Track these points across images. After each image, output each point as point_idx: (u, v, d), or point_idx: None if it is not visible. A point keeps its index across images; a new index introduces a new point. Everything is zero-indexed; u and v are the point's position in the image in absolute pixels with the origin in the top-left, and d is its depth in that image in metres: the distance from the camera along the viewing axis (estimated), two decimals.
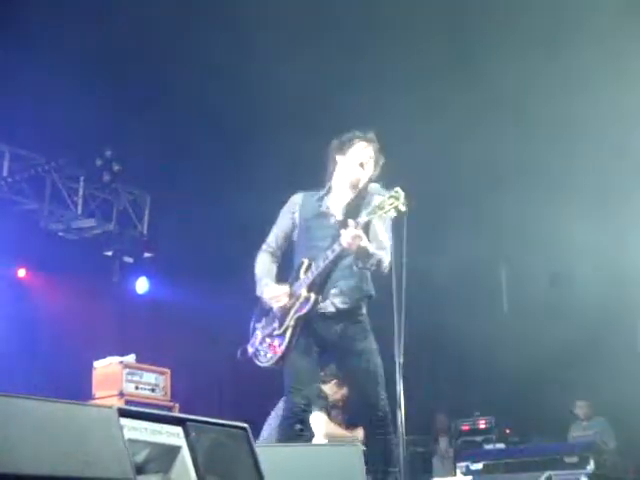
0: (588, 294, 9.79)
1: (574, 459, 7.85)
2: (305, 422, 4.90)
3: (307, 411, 4.88)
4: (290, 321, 4.89)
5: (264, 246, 5.20)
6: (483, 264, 10.78)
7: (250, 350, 5.13)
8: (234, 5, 7.99)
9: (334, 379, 6.91)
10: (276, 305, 4.95)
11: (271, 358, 4.96)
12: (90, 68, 8.40)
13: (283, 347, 4.90)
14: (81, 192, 10.06)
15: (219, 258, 10.54)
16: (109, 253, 10.66)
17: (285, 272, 5.14)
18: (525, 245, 10.26)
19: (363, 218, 4.64)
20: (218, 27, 8.27)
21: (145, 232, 10.79)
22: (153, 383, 7.90)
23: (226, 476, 3.07)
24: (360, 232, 4.62)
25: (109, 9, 7.98)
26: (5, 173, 9.24)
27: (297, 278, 4.92)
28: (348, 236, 4.61)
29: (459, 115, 8.73)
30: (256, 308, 5.19)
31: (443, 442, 10.67)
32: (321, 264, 4.79)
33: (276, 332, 4.95)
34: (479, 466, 8.25)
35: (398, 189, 4.53)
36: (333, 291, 4.87)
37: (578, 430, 9.78)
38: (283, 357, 4.92)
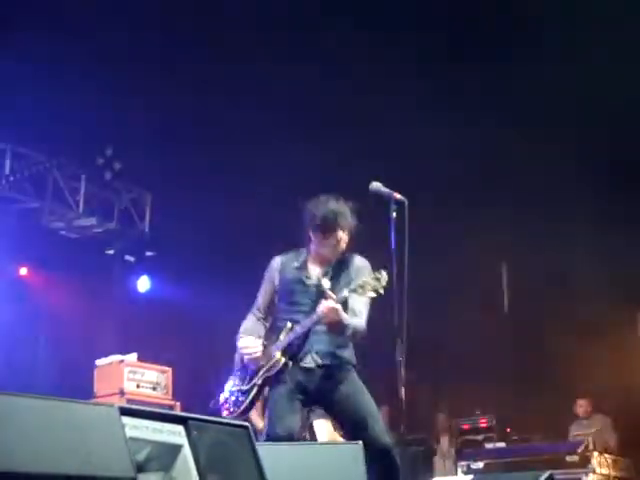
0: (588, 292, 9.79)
1: (575, 458, 7.85)
2: None
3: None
4: (258, 380, 4.96)
5: (252, 310, 5.24)
6: (484, 263, 10.77)
7: (221, 400, 5.20)
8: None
9: None
10: (246, 356, 5.02)
11: (235, 411, 5.04)
12: (91, 67, 8.41)
13: (246, 403, 4.99)
14: (82, 190, 10.07)
15: (221, 257, 10.55)
16: (110, 252, 10.67)
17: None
18: (526, 244, 10.26)
19: (344, 293, 4.70)
20: (219, 27, 8.28)
21: (146, 231, 10.80)
22: (154, 381, 7.91)
23: (227, 475, 3.07)
24: (338, 306, 4.68)
25: (110, 7, 7.98)
26: (7, 171, 9.25)
27: (277, 339, 4.96)
28: (325, 307, 4.67)
29: (461, 113, 8.73)
30: (235, 361, 5.24)
31: (444, 441, 10.67)
32: (298, 330, 4.85)
33: (243, 387, 5.04)
34: (480, 465, 8.26)
35: (382, 272, 4.60)
36: (313, 350, 4.90)
37: (579, 429, 9.77)
38: (245, 412, 5.02)
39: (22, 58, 8.02)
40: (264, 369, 4.93)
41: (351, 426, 4.83)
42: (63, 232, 10.31)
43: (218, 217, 10.08)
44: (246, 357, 5.01)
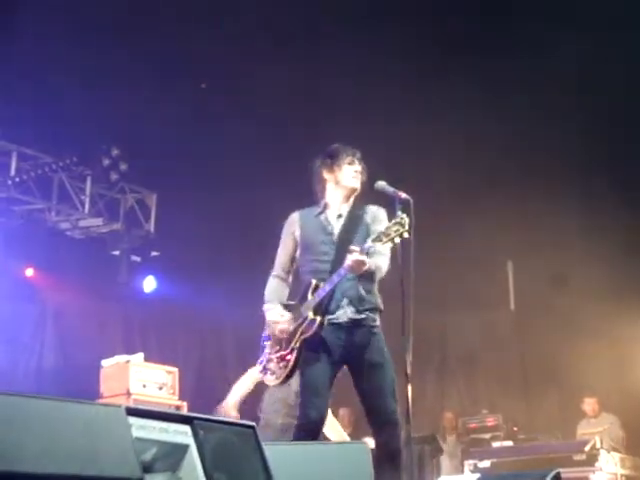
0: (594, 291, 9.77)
1: (582, 457, 7.84)
2: (317, 437, 4.91)
3: (321, 427, 4.88)
4: (296, 343, 4.91)
5: (273, 272, 5.22)
6: (490, 261, 10.77)
7: (260, 367, 5.18)
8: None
9: None
10: (277, 330, 5.00)
11: (277, 378, 5.02)
12: (96, 67, 8.41)
13: (289, 368, 4.94)
14: (88, 191, 10.07)
15: (226, 257, 10.55)
16: (116, 252, 10.67)
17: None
18: (532, 242, 10.25)
19: (368, 243, 4.69)
20: (222, 28, 8.29)
21: (152, 231, 10.80)
22: (161, 382, 7.90)
23: (234, 474, 3.07)
24: (364, 258, 4.67)
25: (115, 7, 7.99)
26: (12, 172, 9.26)
27: (305, 299, 4.94)
28: (352, 261, 4.66)
29: (468, 113, 8.73)
30: (265, 326, 5.22)
31: (451, 440, 10.67)
32: (327, 287, 4.82)
33: (282, 353, 5.00)
34: (487, 464, 8.26)
35: (403, 215, 4.57)
36: (344, 301, 4.89)
37: (586, 427, 9.75)
38: (288, 377, 4.99)
39: (27, 59, 8.04)
40: (300, 331, 4.89)
41: (368, 396, 4.84)
42: (69, 232, 10.32)
43: (223, 217, 10.09)
44: (277, 331, 4.99)
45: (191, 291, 10.48)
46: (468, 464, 8.44)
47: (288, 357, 4.94)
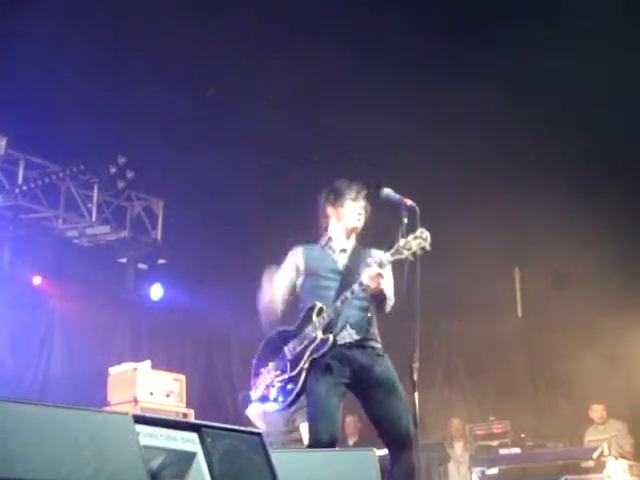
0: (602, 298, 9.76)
1: (590, 464, 7.82)
2: None
3: (333, 446, 4.83)
4: (305, 363, 4.87)
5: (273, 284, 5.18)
6: (497, 268, 10.75)
7: (255, 395, 5.13)
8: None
9: None
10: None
11: (283, 402, 4.95)
12: (103, 75, 8.43)
13: (298, 389, 4.87)
14: (95, 199, 10.10)
15: (233, 264, 10.56)
16: (123, 260, 10.70)
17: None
18: (539, 249, 10.24)
19: (388, 257, 4.69)
20: (225, 37, 8.31)
21: (159, 238, 10.82)
22: (168, 389, 7.90)
23: None
24: (382, 272, 4.68)
25: (123, 15, 8.01)
26: (20, 181, 9.29)
27: (310, 321, 4.91)
28: (372, 275, 4.66)
29: (476, 116, 8.72)
30: (259, 352, 5.19)
31: (458, 447, 10.64)
32: (339, 305, 4.82)
33: (288, 375, 4.94)
34: (495, 471, 8.24)
35: (423, 230, 4.58)
36: (348, 323, 4.90)
37: (594, 434, 9.72)
38: (296, 400, 4.92)
39: (34, 68, 8.06)
40: (309, 349, 4.85)
41: (381, 417, 4.81)
42: (76, 240, 10.34)
43: (230, 225, 10.10)
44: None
45: (198, 299, 10.48)
46: (476, 471, 8.42)
47: (296, 379, 4.88)
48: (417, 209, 4.62)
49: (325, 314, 4.84)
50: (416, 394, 4.36)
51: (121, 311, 10.44)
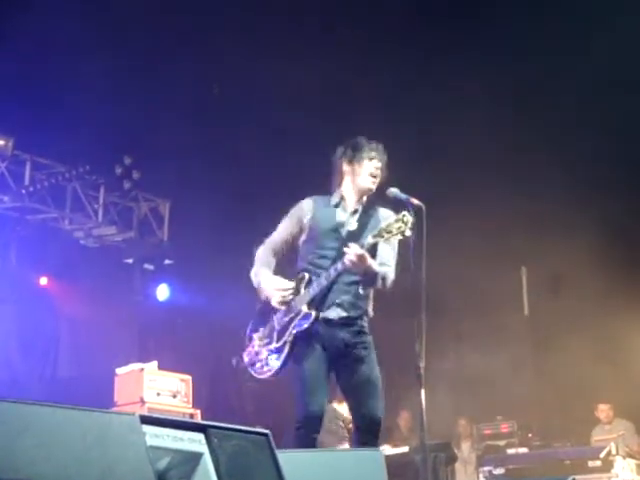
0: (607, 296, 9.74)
1: (598, 463, 7.80)
2: (318, 433, 4.86)
3: (322, 418, 4.83)
4: (289, 336, 4.85)
5: (266, 241, 5.14)
6: (504, 266, 10.73)
7: (246, 359, 5.12)
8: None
9: None
10: (275, 299, 4.90)
11: (268, 371, 4.94)
12: (109, 77, 8.45)
13: (281, 362, 4.87)
14: (101, 200, 10.12)
15: (239, 264, 10.53)
16: (130, 260, 10.71)
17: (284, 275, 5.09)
18: (546, 247, 10.22)
19: (369, 240, 4.66)
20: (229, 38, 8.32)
21: (165, 239, 10.83)
22: (175, 390, 7.91)
23: None
24: (364, 253, 4.62)
25: (129, 19, 8.03)
26: (26, 182, 9.31)
27: (297, 292, 4.88)
28: (352, 256, 4.61)
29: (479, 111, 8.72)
30: (254, 315, 5.18)
31: (465, 447, 10.63)
32: (324, 282, 4.78)
33: (274, 345, 4.93)
34: (502, 471, 8.22)
35: (406, 213, 4.54)
36: (337, 301, 4.85)
37: (601, 434, 9.70)
38: (279, 371, 4.91)
39: (40, 69, 8.08)
40: (293, 324, 4.83)
41: (354, 401, 4.86)
42: (82, 241, 10.36)
43: (236, 225, 10.10)
44: (277, 300, 4.92)
45: (204, 299, 10.49)
46: (483, 471, 8.41)
47: (280, 351, 4.87)
48: (423, 208, 4.60)
49: (311, 289, 4.80)
50: (423, 393, 4.36)
51: (127, 312, 10.45)
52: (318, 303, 4.81)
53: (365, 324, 4.93)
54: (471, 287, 10.64)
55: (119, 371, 7.91)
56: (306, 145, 9.04)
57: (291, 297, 4.87)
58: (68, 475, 2.46)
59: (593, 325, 9.99)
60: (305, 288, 4.85)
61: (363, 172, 4.97)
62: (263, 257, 5.10)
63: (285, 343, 4.86)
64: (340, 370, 4.87)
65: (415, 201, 4.63)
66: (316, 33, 8.33)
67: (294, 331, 4.83)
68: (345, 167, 5.02)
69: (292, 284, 4.90)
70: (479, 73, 8.31)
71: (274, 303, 4.92)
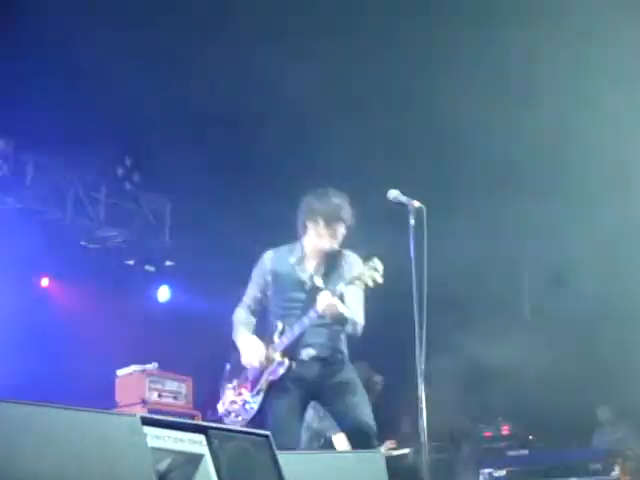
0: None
1: (598, 466, 7.79)
2: None
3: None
4: (263, 384, 4.94)
5: (242, 302, 5.25)
6: (505, 269, 10.74)
7: (221, 410, 5.17)
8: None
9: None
10: (248, 359, 4.98)
11: (243, 420, 4.98)
12: (109, 79, 8.45)
13: (256, 409, 4.94)
14: (103, 201, 10.12)
15: (240, 266, 10.54)
16: (131, 262, 10.71)
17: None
18: (546, 248, 10.22)
19: (341, 287, 4.74)
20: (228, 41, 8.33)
21: (166, 241, 10.83)
22: (175, 391, 7.93)
23: None
24: (336, 300, 4.71)
25: (130, 17, 8.03)
26: (28, 183, 9.31)
27: (271, 342, 4.96)
28: (324, 303, 4.69)
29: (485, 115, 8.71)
30: (225, 369, 5.27)
31: (466, 448, 10.62)
32: (296, 331, 4.85)
33: (248, 394, 5.00)
34: (502, 473, 8.22)
35: (376, 260, 4.66)
36: (308, 343, 4.92)
37: (602, 436, 9.70)
38: (254, 418, 4.95)
39: (42, 70, 8.09)
40: (267, 373, 4.91)
41: (340, 419, 4.92)
42: (84, 243, 10.36)
43: (237, 227, 10.10)
44: (246, 361, 4.99)
45: (205, 301, 10.49)
46: (483, 473, 8.40)
47: (254, 399, 4.96)
48: (424, 210, 4.61)
49: (284, 337, 4.88)
50: (423, 396, 4.36)
51: (128, 313, 10.45)
52: (291, 350, 4.89)
53: (340, 357, 4.99)
54: (474, 286, 10.63)
55: (120, 372, 7.92)
56: (310, 147, 9.07)
57: (262, 358, 4.94)
58: (68, 476, 2.46)
59: (595, 325, 9.98)
60: (279, 337, 4.92)
61: (326, 235, 4.97)
62: (241, 318, 5.21)
63: (259, 391, 4.95)
64: (326, 399, 4.98)
65: (416, 203, 4.64)
66: None
67: (270, 378, 4.91)
68: (307, 223, 5.03)
69: (261, 344, 4.97)
70: None
71: (245, 360, 5.00)
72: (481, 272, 10.35)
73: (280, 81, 8.65)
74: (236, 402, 5.06)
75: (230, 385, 5.16)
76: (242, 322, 5.16)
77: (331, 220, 4.93)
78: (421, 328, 4.39)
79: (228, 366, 5.26)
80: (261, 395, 4.93)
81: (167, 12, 8.23)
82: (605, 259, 9.65)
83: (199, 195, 10.09)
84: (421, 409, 4.36)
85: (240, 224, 10.04)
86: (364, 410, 4.84)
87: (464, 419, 11.11)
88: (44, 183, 9.39)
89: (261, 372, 4.96)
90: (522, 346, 11.11)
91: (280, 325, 4.93)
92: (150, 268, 10.83)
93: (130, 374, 7.85)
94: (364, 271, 4.66)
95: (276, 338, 4.92)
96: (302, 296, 4.97)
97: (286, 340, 4.87)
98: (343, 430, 5.01)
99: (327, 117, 8.83)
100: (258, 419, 4.97)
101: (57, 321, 9.90)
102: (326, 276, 4.98)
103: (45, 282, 10.24)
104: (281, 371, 4.86)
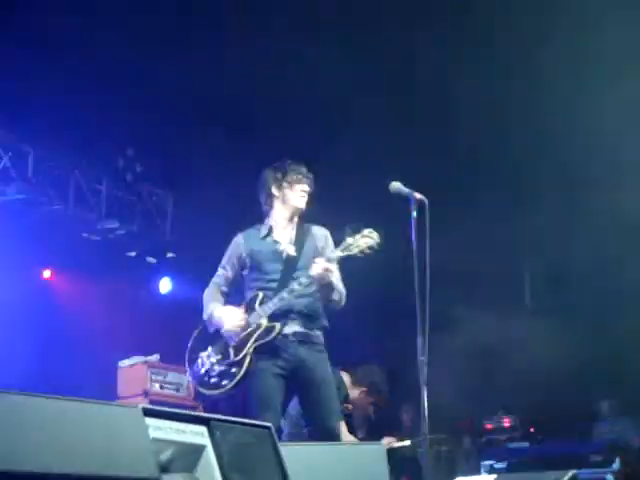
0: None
1: (599, 458, 7.81)
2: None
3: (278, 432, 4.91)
4: (249, 349, 4.92)
5: (215, 280, 5.31)
6: (506, 260, 10.73)
7: (192, 380, 5.20)
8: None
9: (363, 387, 6.91)
10: (230, 326, 4.99)
11: (226, 384, 4.96)
12: (110, 69, 8.44)
13: (242, 373, 4.92)
14: (104, 193, 10.11)
15: None
16: (132, 254, 10.71)
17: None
18: (549, 243, 10.22)
19: (337, 253, 4.83)
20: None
21: (168, 232, 10.83)
22: (177, 382, 7.94)
23: (250, 475, 3.08)
24: (332, 266, 4.81)
25: (129, 10, 8.02)
26: (29, 174, 9.31)
27: (252, 309, 4.99)
28: (320, 268, 4.77)
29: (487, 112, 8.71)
30: (194, 337, 5.28)
31: (467, 441, 10.63)
32: (286, 295, 4.88)
33: (232, 360, 4.97)
34: (503, 465, 8.24)
35: (371, 230, 4.80)
36: (292, 316, 4.97)
37: (602, 429, 9.71)
38: (239, 384, 4.95)
39: (42, 61, 8.07)
40: (254, 337, 4.91)
41: (313, 413, 4.97)
42: (85, 234, 10.35)
43: (240, 219, 10.08)
44: (228, 328, 4.99)
45: None
46: (484, 465, 8.42)
47: (240, 364, 4.93)
48: (426, 202, 4.61)
49: (270, 303, 4.91)
50: (425, 387, 4.36)
51: (130, 305, 10.46)
52: (277, 318, 4.93)
53: (321, 341, 5.06)
54: (474, 278, 10.63)
55: (122, 364, 7.93)
56: (311, 140, 9.05)
57: (244, 319, 4.97)
58: (71, 467, 2.47)
59: (598, 318, 9.99)
60: (260, 305, 4.95)
61: (294, 194, 5.12)
62: (210, 296, 5.27)
63: (245, 355, 4.93)
64: (301, 392, 5.03)
65: (418, 195, 4.64)
66: None
67: (256, 344, 4.91)
68: (274, 191, 5.18)
69: (240, 311, 5.02)
70: None
71: (227, 326, 5.00)
72: (480, 264, 10.34)
73: (278, 72, 8.66)
74: (213, 370, 5.03)
75: (204, 354, 5.12)
76: (213, 299, 5.20)
77: (294, 182, 5.10)
78: (423, 317, 4.40)
79: (192, 339, 5.25)
80: (247, 359, 4.91)
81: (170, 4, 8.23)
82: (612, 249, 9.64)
83: (201, 186, 10.08)
84: (423, 401, 4.37)
85: (242, 216, 10.03)
86: (336, 423, 4.91)
87: (465, 411, 11.13)
88: (45, 174, 9.38)
89: (244, 339, 4.94)
90: (523, 338, 11.12)
91: (260, 294, 4.97)
92: (152, 260, 10.83)
93: (132, 366, 7.86)
94: (359, 238, 4.75)
95: (257, 306, 4.96)
96: (279, 267, 5.04)
97: (273, 306, 4.90)
98: (308, 429, 5.04)
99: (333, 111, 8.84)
100: (242, 384, 4.95)
101: (58, 313, 9.91)
102: (298, 246, 5.08)
103: (47, 274, 10.26)
104: (270, 337, 4.88)
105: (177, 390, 7.92)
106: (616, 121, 8.17)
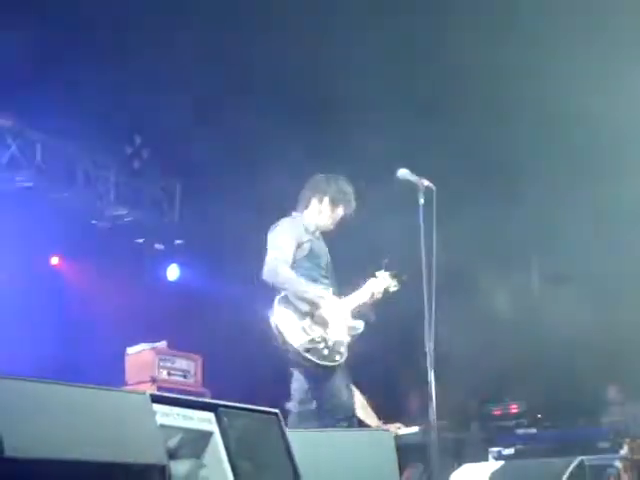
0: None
1: (607, 444, 7.81)
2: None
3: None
4: (348, 336, 5.18)
5: (280, 259, 5.23)
6: (513, 246, 10.71)
7: (296, 344, 5.16)
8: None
9: None
10: (332, 312, 5.10)
11: (338, 360, 5.10)
12: (118, 56, 8.43)
13: (345, 355, 5.10)
14: (112, 180, 10.12)
15: (250, 244, 10.54)
16: (140, 240, 10.73)
17: None
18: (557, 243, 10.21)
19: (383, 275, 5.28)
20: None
21: (176, 219, 10.84)
22: (185, 369, 7.95)
23: (258, 461, 3.09)
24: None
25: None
26: (38, 161, 9.31)
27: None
28: (383, 286, 5.22)
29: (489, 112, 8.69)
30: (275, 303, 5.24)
31: (474, 427, 10.63)
32: (361, 300, 5.27)
33: (339, 337, 5.11)
34: (511, 451, 8.26)
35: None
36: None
37: (611, 415, 9.70)
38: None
39: (51, 48, 8.07)
40: (352, 325, 5.18)
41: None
42: (94, 221, 10.36)
43: (248, 205, 10.09)
44: (332, 312, 5.10)
45: (214, 279, 10.51)
46: (492, 451, 8.43)
47: (344, 344, 5.13)
48: (434, 190, 4.60)
49: (352, 299, 5.32)
50: (432, 375, 4.37)
51: (138, 291, 10.47)
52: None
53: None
54: (479, 267, 10.61)
55: (130, 351, 7.95)
56: (317, 127, 9.03)
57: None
58: (80, 453, 2.48)
59: (603, 306, 9.97)
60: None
61: (330, 215, 5.32)
62: (293, 273, 5.19)
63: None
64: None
65: (426, 182, 4.64)
66: None
67: (352, 333, 5.16)
68: (315, 200, 5.33)
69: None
70: None
71: (327, 311, 5.08)
72: (489, 250, 10.33)
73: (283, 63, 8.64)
74: (323, 341, 5.06)
75: (308, 324, 5.11)
76: (303, 280, 5.17)
77: (335, 202, 5.20)
78: (430, 309, 4.40)
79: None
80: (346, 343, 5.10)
81: None
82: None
83: (209, 173, 10.08)
84: (430, 388, 4.37)
85: (249, 202, 10.03)
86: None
87: (472, 398, 11.13)
88: (53, 162, 9.38)
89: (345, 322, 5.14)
90: (530, 324, 11.12)
91: (330, 289, 5.13)
92: (160, 246, 10.84)
93: (140, 352, 7.87)
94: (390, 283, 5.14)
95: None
96: (325, 267, 5.21)
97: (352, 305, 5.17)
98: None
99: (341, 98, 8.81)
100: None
101: (67, 300, 9.94)
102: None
103: (55, 261, 10.27)
104: (358, 331, 5.14)
105: (185, 377, 7.93)
106: None
